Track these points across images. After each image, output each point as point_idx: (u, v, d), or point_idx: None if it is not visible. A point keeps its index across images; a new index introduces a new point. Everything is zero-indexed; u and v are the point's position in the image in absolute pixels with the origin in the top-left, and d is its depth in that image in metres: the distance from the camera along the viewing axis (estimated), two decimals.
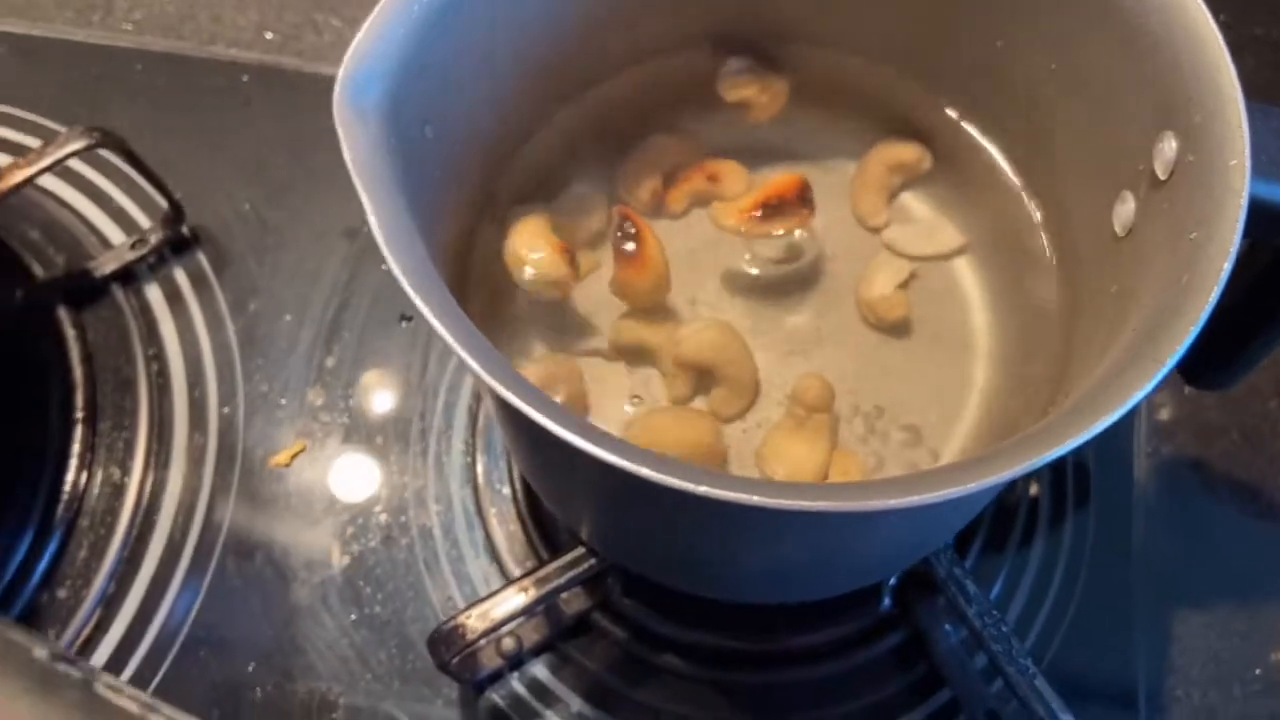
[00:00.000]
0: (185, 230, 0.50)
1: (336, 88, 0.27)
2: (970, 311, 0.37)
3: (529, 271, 0.35)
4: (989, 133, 0.36)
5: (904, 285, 0.37)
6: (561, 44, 0.34)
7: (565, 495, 0.34)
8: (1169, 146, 0.27)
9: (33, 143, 0.52)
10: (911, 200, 0.39)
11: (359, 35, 0.27)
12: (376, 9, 0.28)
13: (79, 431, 0.46)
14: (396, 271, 0.24)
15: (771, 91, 0.39)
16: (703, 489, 0.22)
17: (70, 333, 0.47)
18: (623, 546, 0.36)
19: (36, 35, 0.56)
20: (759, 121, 0.39)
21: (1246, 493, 0.46)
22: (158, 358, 0.48)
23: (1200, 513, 0.46)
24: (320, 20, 0.57)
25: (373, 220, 0.25)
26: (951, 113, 0.37)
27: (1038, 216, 0.35)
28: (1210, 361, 0.36)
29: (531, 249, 0.35)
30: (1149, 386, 0.23)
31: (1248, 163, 0.24)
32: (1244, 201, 0.24)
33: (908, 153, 0.37)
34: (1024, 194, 0.36)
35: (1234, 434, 0.47)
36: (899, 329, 0.36)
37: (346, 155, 0.26)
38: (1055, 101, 0.32)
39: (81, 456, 0.46)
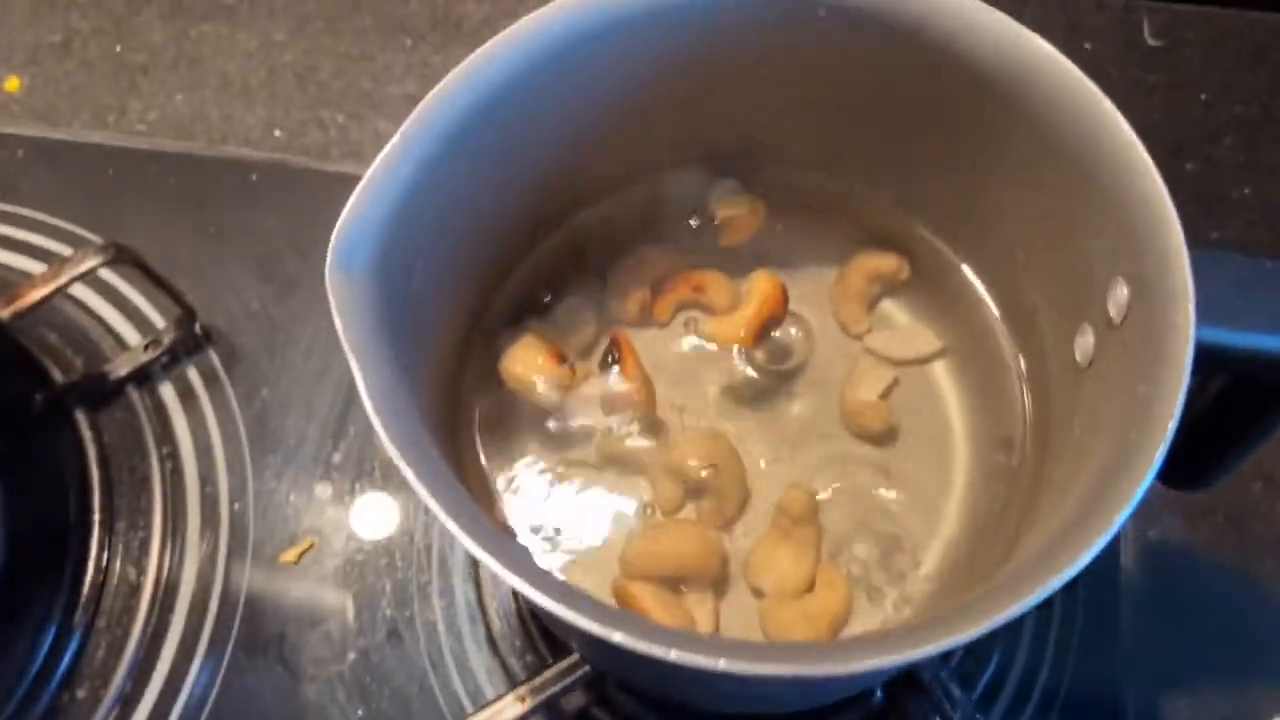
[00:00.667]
0: (198, 329, 0.52)
1: (328, 258, 0.29)
2: (949, 418, 0.38)
3: (536, 385, 0.37)
4: (961, 252, 0.38)
5: (886, 394, 0.38)
6: (543, 182, 0.36)
7: (553, 622, 0.36)
8: (1122, 292, 0.29)
9: (52, 245, 0.55)
10: (891, 307, 0.40)
11: (346, 208, 0.29)
12: (361, 183, 0.29)
13: (96, 533, 0.48)
14: (387, 444, 0.26)
15: (755, 210, 0.40)
16: (673, 655, 0.23)
17: (87, 435, 0.49)
18: (615, 669, 0.37)
19: (56, 139, 0.58)
20: (741, 239, 0.40)
21: (1232, 576, 0.47)
22: (171, 456, 0.50)
23: (1187, 597, 0.47)
24: (325, 117, 0.59)
25: (362, 388, 0.26)
26: (925, 231, 0.38)
27: (1008, 334, 0.36)
28: (1185, 467, 0.37)
29: (529, 368, 0.37)
30: (1095, 547, 0.24)
31: (1192, 321, 0.26)
32: (1187, 365, 0.25)
33: (887, 263, 0.39)
34: (996, 311, 0.37)
35: (1219, 516, 0.48)
36: (882, 437, 0.37)
37: (337, 324, 0.28)
38: (1020, 232, 0.33)
39: (98, 559, 0.47)
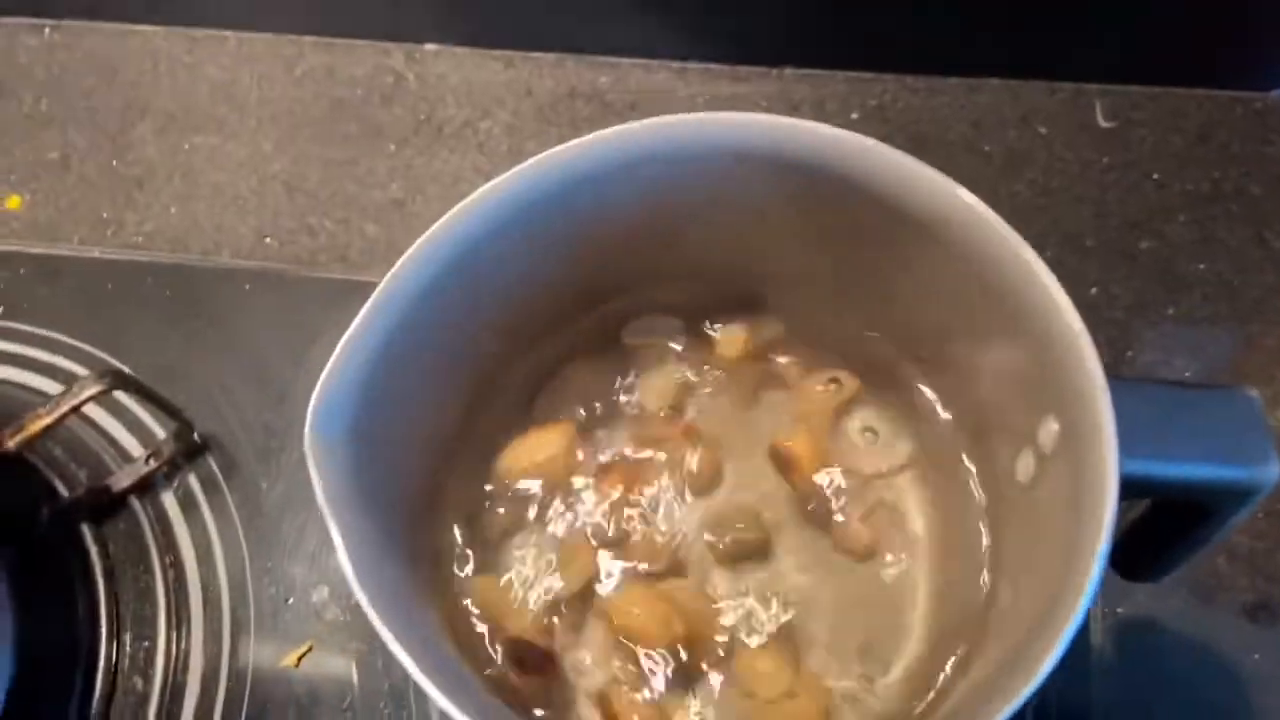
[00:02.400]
0: (196, 439, 0.54)
1: (307, 423, 0.31)
2: (916, 531, 0.40)
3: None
4: (916, 370, 0.40)
5: (867, 517, 0.40)
6: (517, 319, 0.38)
7: None
8: (1052, 427, 0.31)
9: (55, 359, 0.57)
10: (859, 420, 0.42)
11: (324, 374, 0.31)
12: (337, 349, 0.31)
13: (104, 644, 0.50)
14: (371, 616, 0.28)
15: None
16: None
17: (93, 549, 0.51)
18: None
19: (56, 255, 0.60)
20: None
21: (1197, 649, 0.49)
22: (174, 565, 0.52)
23: (1156, 671, 0.48)
24: (314, 223, 0.61)
25: (341, 554, 0.29)
26: (881, 348, 0.40)
27: (965, 449, 0.38)
28: (1133, 564, 0.39)
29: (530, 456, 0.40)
30: (1024, 694, 0.26)
31: (1114, 460, 0.27)
32: (1109, 508, 0.27)
33: (842, 386, 0.41)
34: (951, 425, 0.39)
35: (1184, 591, 0.49)
36: (864, 554, 0.39)
37: (317, 491, 0.30)
38: (964, 361, 0.36)
39: (107, 669, 0.49)
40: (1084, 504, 0.28)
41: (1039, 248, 0.56)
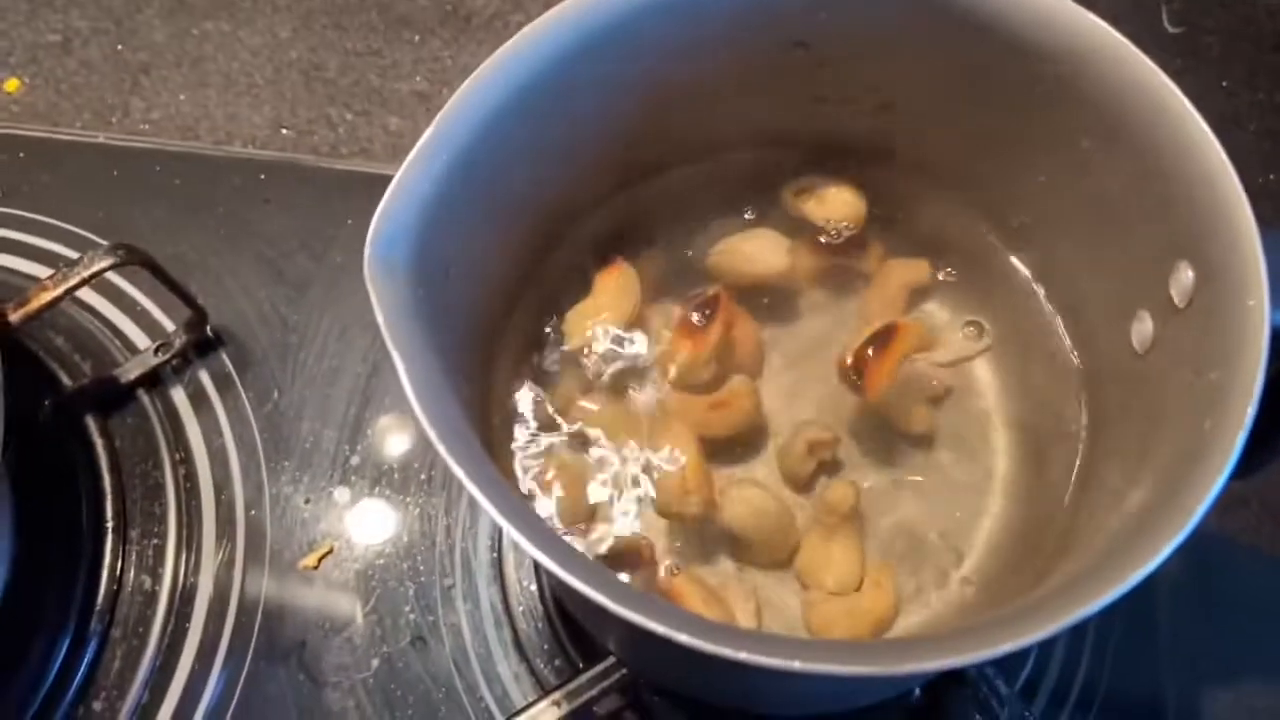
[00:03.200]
0: (209, 331, 0.51)
1: (366, 248, 0.27)
2: (991, 414, 0.37)
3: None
4: (1006, 239, 0.37)
5: (937, 401, 0.37)
6: (585, 167, 0.35)
7: (596, 624, 0.35)
8: (1185, 276, 0.28)
9: (56, 248, 0.53)
10: (932, 307, 0.39)
11: (385, 197, 0.28)
12: (398, 173, 0.28)
13: (109, 541, 0.46)
14: (432, 437, 0.25)
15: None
16: (743, 655, 0.22)
17: (99, 441, 0.48)
18: (654, 671, 0.36)
19: (58, 139, 0.56)
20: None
21: (1269, 566, 0.46)
22: (184, 461, 0.49)
23: (1224, 589, 0.46)
24: (334, 115, 0.58)
25: (405, 381, 0.26)
26: (967, 217, 0.37)
27: (1059, 322, 0.36)
28: None
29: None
30: (1177, 540, 0.23)
31: (1266, 305, 0.25)
32: (1264, 346, 0.24)
33: (915, 271, 0.38)
34: (1044, 299, 0.36)
35: (1254, 506, 0.47)
36: (923, 441, 0.37)
37: (378, 314, 0.27)
38: (1073, 216, 0.33)
39: (112, 567, 0.46)
40: (1231, 344, 0.25)
41: None
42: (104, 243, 0.53)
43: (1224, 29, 0.57)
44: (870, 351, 0.34)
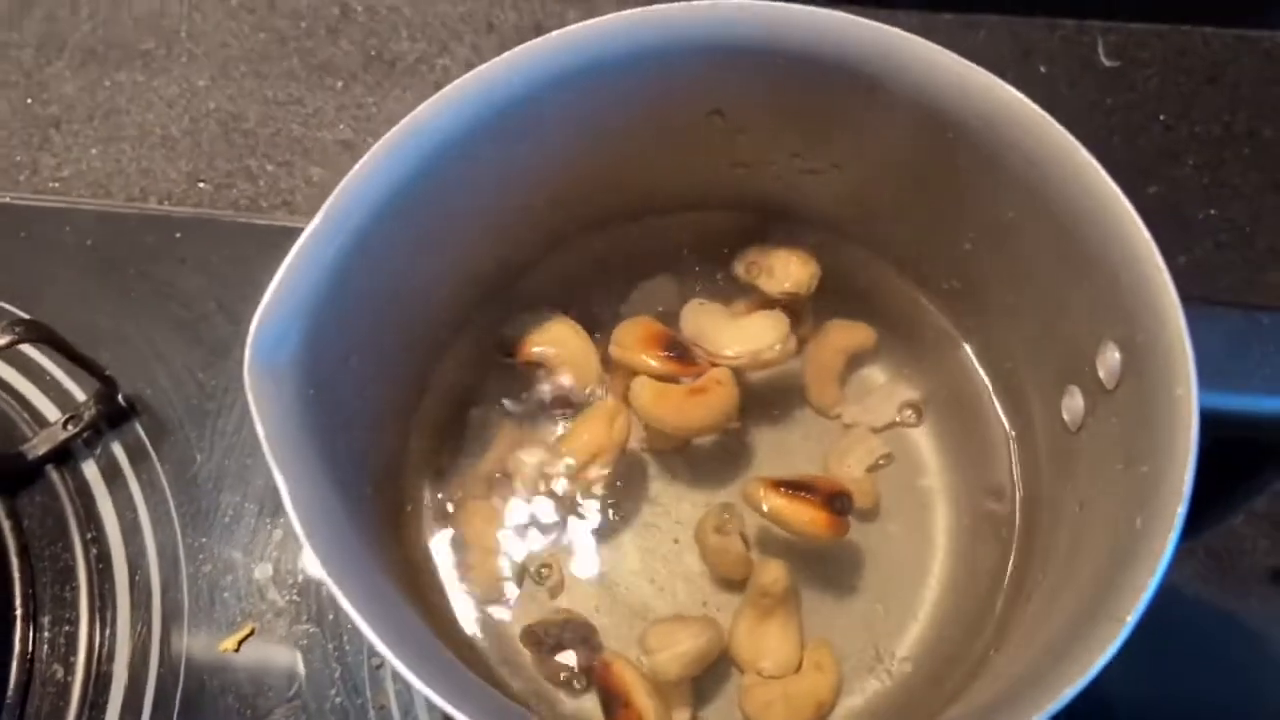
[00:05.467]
0: (121, 401, 0.49)
1: (247, 351, 0.26)
2: (932, 486, 0.36)
3: None
4: (939, 305, 0.35)
5: (874, 469, 0.36)
6: (498, 237, 0.33)
7: None
8: (1112, 357, 0.27)
9: None
10: (867, 371, 0.38)
11: (268, 292, 0.26)
12: (284, 263, 0.26)
13: (18, 629, 0.44)
14: (319, 564, 0.23)
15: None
16: None
17: (5, 523, 0.46)
18: None
19: None
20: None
21: (1217, 614, 0.45)
22: (96, 541, 0.46)
23: (1173, 637, 0.45)
24: (254, 166, 0.55)
25: (288, 504, 0.24)
26: (900, 283, 0.36)
27: (993, 392, 0.34)
28: None
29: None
30: (1109, 651, 0.22)
31: (1194, 394, 0.24)
32: (1193, 440, 0.23)
33: (855, 333, 0.36)
34: (979, 367, 0.35)
35: (1200, 554, 0.46)
36: (866, 513, 0.35)
37: (259, 428, 0.25)
38: (1002, 287, 0.31)
39: (22, 656, 0.44)
40: (1160, 436, 0.24)
41: None
42: (12, 309, 0.51)
43: (1160, 60, 0.56)
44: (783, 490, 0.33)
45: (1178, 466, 0.23)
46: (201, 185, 0.55)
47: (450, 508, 0.34)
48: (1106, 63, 0.56)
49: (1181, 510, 0.23)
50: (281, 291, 0.26)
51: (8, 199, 0.54)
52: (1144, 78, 0.55)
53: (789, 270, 0.36)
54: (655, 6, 0.29)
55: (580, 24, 0.29)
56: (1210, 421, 0.25)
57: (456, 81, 0.29)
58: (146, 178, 0.55)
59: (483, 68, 0.29)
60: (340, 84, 0.57)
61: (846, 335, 0.37)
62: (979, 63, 0.56)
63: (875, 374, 0.38)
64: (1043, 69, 0.56)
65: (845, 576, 0.35)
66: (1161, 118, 0.55)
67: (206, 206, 0.54)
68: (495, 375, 0.37)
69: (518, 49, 0.29)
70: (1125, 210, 0.26)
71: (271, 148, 0.56)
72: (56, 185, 0.55)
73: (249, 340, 0.26)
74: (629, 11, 0.29)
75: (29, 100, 0.57)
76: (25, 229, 0.53)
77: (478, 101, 0.28)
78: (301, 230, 0.52)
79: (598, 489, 0.36)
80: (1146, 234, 0.26)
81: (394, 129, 0.28)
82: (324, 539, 0.23)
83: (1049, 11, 0.57)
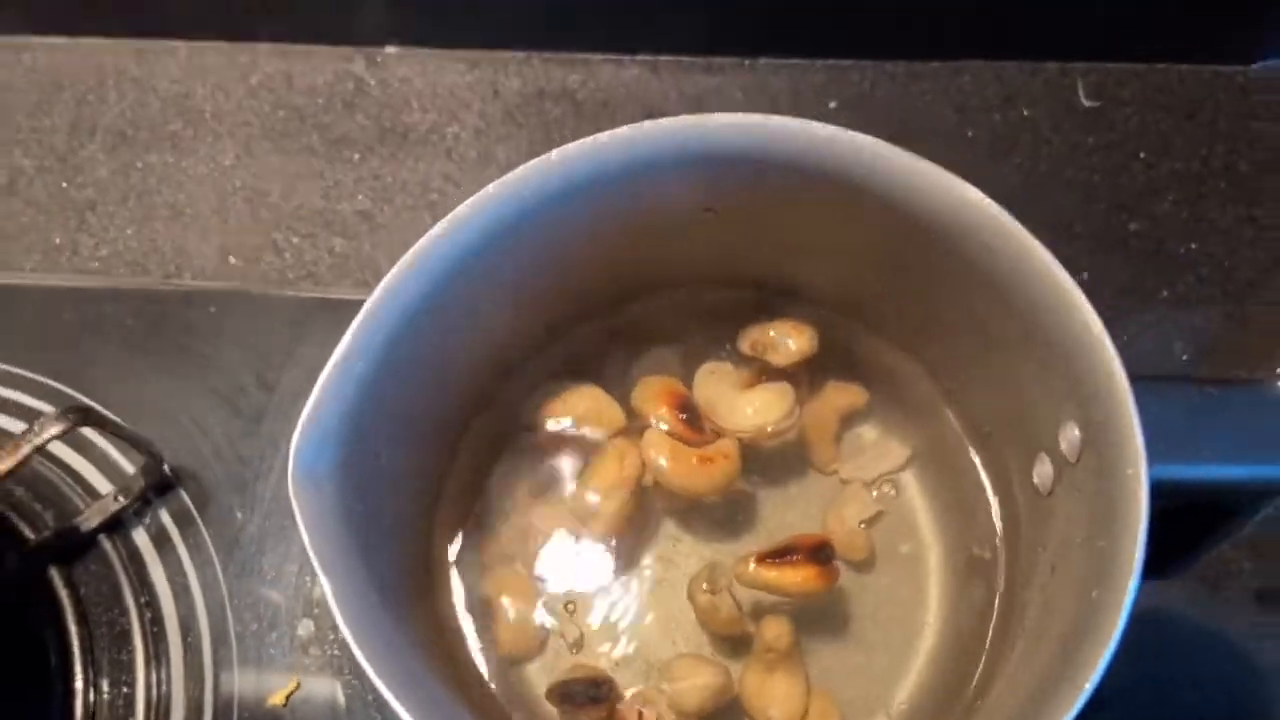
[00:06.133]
0: (166, 470, 0.52)
1: (290, 464, 0.29)
2: (923, 537, 0.38)
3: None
4: (925, 370, 0.38)
5: (871, 522, 0.39)
6: (510, 335, 0.36)
7: None
8: (1073, 434, 0.29)
9: (12, 395, 0.54)
10: (860, 431, 0.40)
11: (304, 414, 0.29)
12: (317, 385, 0.29)
13: (80, 694, 0.47)
14: (365, 665, 0.26)
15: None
16: None
17: (64, 593, 0.49)
18: None
19: (8, 284, 0.57)
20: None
21: (1207, 639, 0.48)
22: (150, 605, 0.50)
23: (1165, 663, 0.47)
24: (280, 239, 0.59)
25: (333, 604, 0.27)
26: (890, 351, 0.39)
27: (975, 452, 0.37)
28: (1151, 561, 0.38)
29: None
30: (1070, 715, 0.24)
31: (1144, 475, 0.26)
32: (1143, 517, 0.26)
33: (848, 395, 0.39)
34: (959, 427, 0.37)
35: (1191, 579, 0.48)
36: (862, 565, 0.38)
37: (304, 533, 0.28)
38: (974, 367, 0.34)
39: (85, 718, 0.47)
40: (1114, 514, 0.26)
41: None
42: (60, 387, 0.54)
43: (1139, 99, 0.58)
44: (770, 561, 0.35)
45: (1129, 544, 0.26)
46: (232, 260, 0.58)
47: (475, 575, 0.37)
48: (1087, 103, 0.58)
49: (1133, 586, 0.25)
50: (318, 408, 0.29)
51: (52, 281, 0.57)
52: (1124, 117, 0.58)
53: (790, 343, 0.39)
54: (649, 123, 0.32)
55: (580, 142, 0.32)
56: (1163, 491, 0.28)
57: (467, 201, 0.32)
58: (180, 255, 0.58)
59: (490, 187, 0.32)
60: (357, 156, 0.60)
61: (841, 397, 0.40)
62: (967, 109, 0.59)
63: (869, 432, 0.40)
64: (1026, 112, 0.58)
65: (844, 627, 0.37)
66: (1142, 155, 0.57)
67: (238, 280, 0.58)
68: (516, 445, 0.40)
69: (525, 167, 0.32)
70: (1077, 299, 0.28)
71: (295, 221, 0.59)
72: (96, 265, 0.58)
73: (291, 455, 0.29)
74: (624, 130, 0.32)
75: (64, 184, 0.60)
76: (69, 309, 0.56)
77: (488, 216, 0.31)
78: (326, 300, 0.55)
79: (613, 526, 0.39)
80: (1098, 322, 0.28)
81: (412, 250, 0.31)
82: (366, 636, 0.26)
83: (1030, 55, 0.59)
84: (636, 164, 0.32)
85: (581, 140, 0.32)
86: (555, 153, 0.31)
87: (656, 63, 0.62)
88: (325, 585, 0.27)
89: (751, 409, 0.37)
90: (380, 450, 0.32)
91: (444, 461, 0.37)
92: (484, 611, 0.37)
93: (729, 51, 0.61)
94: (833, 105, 0.60)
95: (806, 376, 0.40)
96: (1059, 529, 0.31)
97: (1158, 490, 0.28)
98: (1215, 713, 0.46)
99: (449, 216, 0.31)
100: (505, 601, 0.38)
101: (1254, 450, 0.28)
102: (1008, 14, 0.58)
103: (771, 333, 0.39)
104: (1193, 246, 0.55)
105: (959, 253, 0.30)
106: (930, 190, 0.30)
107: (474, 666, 0.36)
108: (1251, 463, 0.28)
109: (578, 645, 0.39)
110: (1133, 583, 0.25)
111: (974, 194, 0.30)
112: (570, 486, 0.38)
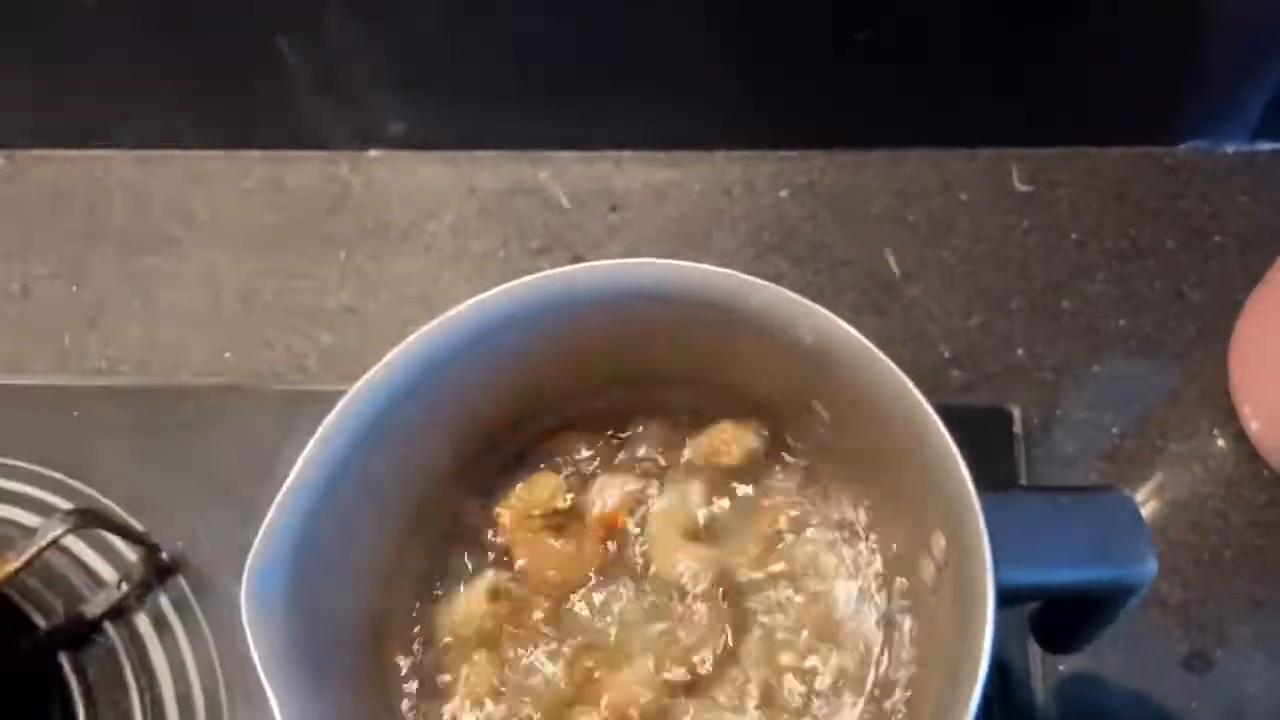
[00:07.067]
0: (165, 558, 0.56)
1: (242, 599, 0.32)
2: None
3: None
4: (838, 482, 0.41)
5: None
6: (445, 461, 0.40)
7: None
8: (940, 542, 0.33)
9: (23, 489, 0.59)
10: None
11: (253, 550, 0.33)
12: (265, 523, 0.33)
13: None
14: None
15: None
16: None
17: (72, 678, 0.53)
18: None
19: (20, 384, 0.62)
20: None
21: (1136, 698, 0.51)
22: (150, 687, 0.54)
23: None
24: (271, 336, 0.63)
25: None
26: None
27: (879, 552, 0.40)
28: (1052, 640, 0.41)
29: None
30: None
31: (990, 582, 0.29)
32: (989, 620, 0.29)
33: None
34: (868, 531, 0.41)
35: (1121, 644, 0.51)
36: None
37: (255, 656, 0.32)
38: (852, 459, 0.38)
39: None
40: (970, 614, 0.30)
41: (965, 314, 0.59)
42: (67, 480, 0.59)
43: (1071, 182, 0.62)
44: None
45: (978, 647, 0.29)
46: (226, 356, 0.63)
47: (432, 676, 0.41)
48: (1021, 187, 0.62)
49: (977, 690, 0.29)
50: (266, 541, 0.33)
51: (61, 381, 0.62)
52: (1056, 199, 0.61)
53: (733, 449, 0.42)
54: (568, 269, 0.36)
55: (508, 285, 0.36)
56: (1021, 591, 0.31)
57: (410, 339, 0.36)
58: (179, 353, 0.63)
59: (427, 327, 0.36)
60: (343, 254, 0.65)
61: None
62: (908, 193, 0.63)
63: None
64: (963, 196, 0.62)
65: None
66: (1074, 235, 0.60)
67: (233, 375, 0.62)
68: (460, 549, 0.44)
69: (461, 306, 0.36)
70: (930, 419, 0.32)
71: (285, 317, 0.63)
72: (102, 365, 0.63)
73: (243, 585, 0.32)
74: (544, 275, 0.36)
75: (74, 288, 0.65)
76: (76, 407, 0.61)
77: (427, 352, 0.35)
78: (314, 393, 0.59)
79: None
80: (950, 442, 0.31)
81: (349, 393, 0.35)
82: None
83: (968, 143, 0.63)
84: (553, 301, 0.36)
85: (513, 283, 0.36)
86: (490, 295, 0.35)
87: (621, 158, 0.66)
88: (274, 703, 0.31)
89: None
90: (331, 574, 0.36)
91: (392, 566, 0.40)
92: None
93: (689, 145, 0.65)
94: (783, 193, 0.64)
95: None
96: (939, 622, 0.34)
97: (1013, 592, 0.31)
98: None
99: (392, 354, 0.36)
100: (462, 696, 0.41)
101: (1097, 554, 0.31)
102: (945, 104, 0.61)
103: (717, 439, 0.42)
104: (1122, 322, 0.58)
105: (844, 383, 0.34)
106: (810, 323, 0.34)
107: None
108: (1094, 566, 0.31)
109: None
110: (978, 686, 0.28)
111: (846, 329, 0.33)
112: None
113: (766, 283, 0.34)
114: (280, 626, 0.32)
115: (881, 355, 0.32)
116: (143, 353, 0.63)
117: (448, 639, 0.39)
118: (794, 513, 0.41)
